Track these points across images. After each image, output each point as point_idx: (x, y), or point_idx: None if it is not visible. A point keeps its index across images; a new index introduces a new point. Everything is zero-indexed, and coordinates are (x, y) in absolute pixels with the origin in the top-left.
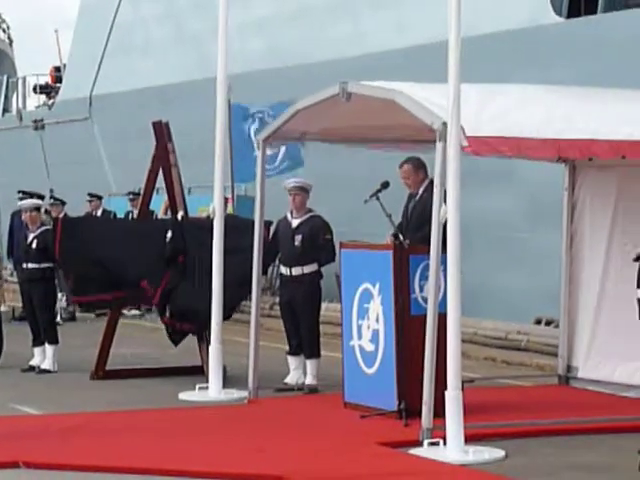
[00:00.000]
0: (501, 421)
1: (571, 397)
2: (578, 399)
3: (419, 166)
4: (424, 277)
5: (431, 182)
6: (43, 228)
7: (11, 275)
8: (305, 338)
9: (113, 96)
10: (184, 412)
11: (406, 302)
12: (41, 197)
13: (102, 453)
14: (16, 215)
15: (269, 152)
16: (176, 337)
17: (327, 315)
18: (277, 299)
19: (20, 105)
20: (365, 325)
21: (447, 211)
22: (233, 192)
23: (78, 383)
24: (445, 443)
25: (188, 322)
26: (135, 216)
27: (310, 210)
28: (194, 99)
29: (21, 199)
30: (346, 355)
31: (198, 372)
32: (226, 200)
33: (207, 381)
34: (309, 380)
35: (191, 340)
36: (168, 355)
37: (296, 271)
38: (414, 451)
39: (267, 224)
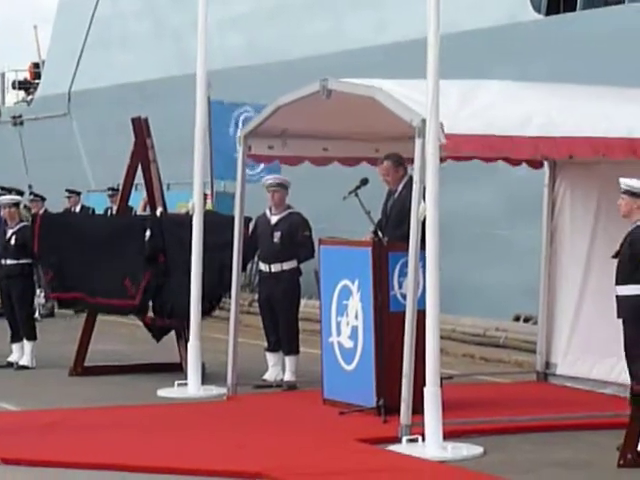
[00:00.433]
0: (479, 418)
1: (549, 394)
2: (556, 396)
3: (399, 163)
4: (403, 274)
5: (410, 179)
6: (22, 224)
7: None
8: (284, 334)
9: (92, 92)
10: (163, 409)
11: (385, 299)
12: (20, 193)
13: (80, 449)
14: None
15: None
16: (158, 333)
17: (306, 312)
18: (256, 296)
19: None
20: (344, 322)
21: (426, 208)
22: (212, 188)
23: (56, 379)
24: (424, 440)
25: (171, 318)
26: (114, 212)
27: (289, 207)
28: (173, 95)
29: None
30: (325, 352)
31: (177, 369)
32: (205, 196)
33: (186, 378)
34: (288, 377)
35: (170, 337)
36: (147, 352)
37: (275, 268)
38: (393, 447)
39: (246, 221)
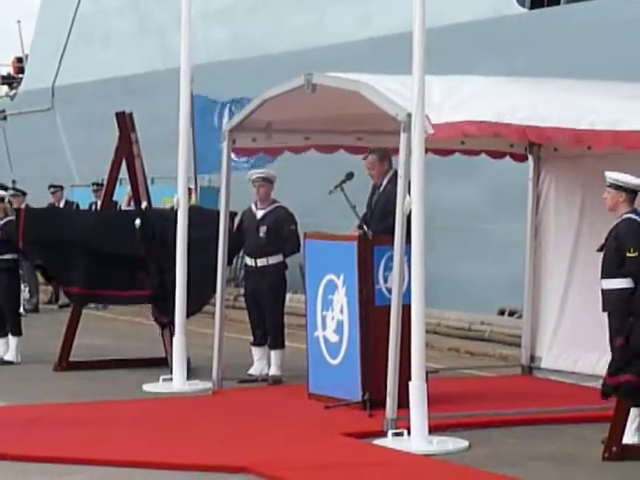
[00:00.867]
0: (465, 411)
1: (534, 387)
2: (541, 389)
3: (384, 157)
4: (388, 268)
5: (395, 173)
6: (7, 219)
7: None
8: (270, 329)
9: (76, 87)
10: (148, 403)
11: (370, 293)
12: (5, 188)
13: (65, 444)
14: None
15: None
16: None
17: (291, 306)
18: (241, 290)
19: None
20: (329, 316)
21: (411, 202)
22: (196, 183)
23: (41, 374)
24: (409, 433)
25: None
26: (99, 207)
27: (275, 201)
28: (157, 90)
29: None
30: (310, 346)
31: (162, 363)
32: (190, 191)
33: (171, 372)
34: (273, 371)
35: (156, 331)
36: (132, 347)
37: (261, 262)
38: (378, 442)
39: (231, 215)
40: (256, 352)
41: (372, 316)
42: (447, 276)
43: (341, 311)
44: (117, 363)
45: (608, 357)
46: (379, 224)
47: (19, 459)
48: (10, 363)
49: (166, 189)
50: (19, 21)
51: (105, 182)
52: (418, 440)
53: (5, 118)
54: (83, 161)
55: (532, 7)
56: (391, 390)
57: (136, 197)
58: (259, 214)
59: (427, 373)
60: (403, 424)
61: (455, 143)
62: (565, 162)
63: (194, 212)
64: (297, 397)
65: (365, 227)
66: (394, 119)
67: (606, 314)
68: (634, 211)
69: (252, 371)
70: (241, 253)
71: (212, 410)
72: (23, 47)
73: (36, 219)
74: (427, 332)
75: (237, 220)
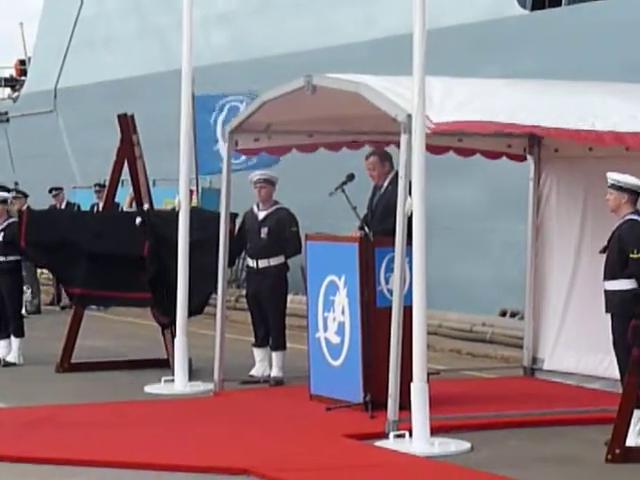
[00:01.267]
0: (467, 413)
1: (536, 389)
2: (543, 391)
3: (385, 158)
4: (390, 269)
5: (396, 174)
6: (10, 220)
7: None
8: (271, 330)
9: (78, 89)
10: (150, 405)
11: (371, 294)
12: (7, 190)
13: (67, 446)
14: None
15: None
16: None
17: (293, 307)
18: (243, 291)
19: None
20: (331, 317)
21: (412, 203)
22: (198, 184)
23: (44, 376)
24: (411, 435)
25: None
26: (100, 208)
27: (276, 202)
28: (159, 92)
29: None
30: (312, 347)
31: (164, 365)
32: (191, 192)
33: (173, 374)
34: (275, 372)
35: (157, 332)
36: (134, 348)
37: (262, 263)
38: (380, 443)
39: (232, 217)
40: (257, 353)
41: (373, 317)
42: (449, 277)
43: (342, 312)
44: (119, 364)
45: (611, 358)
46: (380, 225)
47: (20, 460)
48: (12, 364)
49: (168, 191)
50: (22, 23)
51: (107, 184)
52: (420, 442)
53: (8, 120)
54: (85, 163)
55: (533, 8)
56: (393, 391)
57: (138, 199)
58: (261, 215)
59: (428, 374)
60: (405, 426)
61: (452, 140)
62: (566, 163)
63: (195, 214)
64: (299, 398)
65: (366, 228)
66: (394, 120)
67: (609, 315)
68: (637, 212)
69: (254, 372)
70: (243, 254)
71: (213, 411)
72: (26, 49)
73: (38, 221)
74: (428, 333)
75: (239, 221)
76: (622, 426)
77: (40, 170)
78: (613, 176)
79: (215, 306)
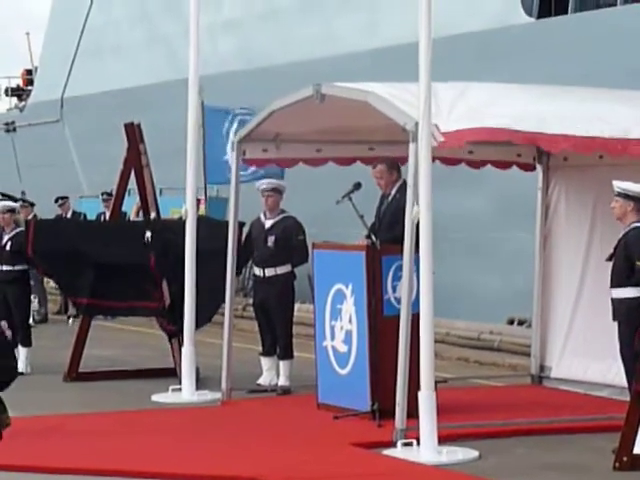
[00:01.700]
0: (474, 421)
1: (544, 397)
2: (551, 399)
3: (392, 166)
4: (397, 278)
5: (404, 183)
6: (18, 230)
7: None
8: (278, 339)
9: (85, 98)
10: (157, 414)
11: (379, 303)
12: (14, 199)
13: (74, 455)
14: None
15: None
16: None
17: (300, 316)
18: (250, 300)
19: None
20: (338, 326)
21: (419, 211)
22: (206, 193)
23: (51, 385)
24: (419, 444)
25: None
26: (107, 218)
27: (283, 211)
28: (166, 100)
29: None
30: (319, 356)
31: (171, 374)
32: (198, 201)
33: (180, 383)
34: (282, 381)
35: (164, 341)
36: (141, 357)
37: (269, 272)
38: (388, 452)
39: (240, 225)
40: (265, 362)
41: (381, 326)
42: (456, 285)
43: (350, 321)
44: (126, 373)
45: (619, 366)
46: (387, 234)
47: (28, 470)
48: (20, 374)
49: (175, 200)
50: (28, 33)
51: (114, 193)
52: (427, 450)
53: (14, 130)
54: (92, 172)
55: (539, 16)
56: (400, 400)
57: (145, 208)
58: (268, 224)
59: (436, 383)
60: (412, 434)
61: (463, 152)
62: (575, 171)
63: (202, 223)
64: (306, 407)
65: (373, 237)
66: (403, 129)
67: (616, 323)
68: None
69: (261, 381)
70: (250, 263)
71: (221, 420)
72: (32, 59)
73: (45, 230)
74: (436, 342)
75: (245, 230)
76: (630, 434)
77: (47, 179)
78: (619, 184)
79: (223, 315)
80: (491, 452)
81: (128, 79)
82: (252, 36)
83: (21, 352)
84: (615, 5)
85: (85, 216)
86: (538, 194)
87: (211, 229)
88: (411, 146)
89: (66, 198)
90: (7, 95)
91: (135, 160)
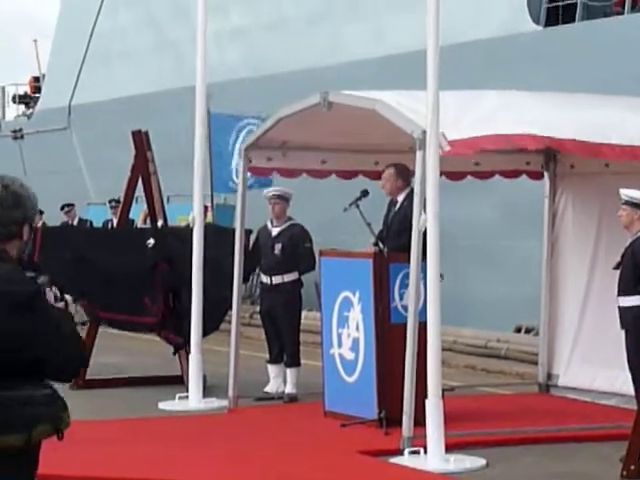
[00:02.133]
0: (482, 429)
1: (551, 405)
2: (558, 407)
3: (400, 173)
4: (404, 285)
5: (412, 191)
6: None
7: None
8: (285, 347)
9: (92, 105)
10: (164, 421)
11: (386, 311)
12: None
13: (81, 463)
14: None
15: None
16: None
17: (307, 323)
18: (257, 308)
19: None
20: (345, 333)
21: (426, 219)
22: (212, 201)
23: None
24: (426, 452)
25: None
26: (114, 225)
27: (290, 218)
28: (173, 108)
29: None
30: (326, 364)
31: (178, 381)
32: (205, 209)
33: (187, 390)
34: (289, 389)
35: (171, 349)
36: (148, 364)
37: (276, 280)
38: (395, 460)
39: (246, 233)
40: (272, 370)
41: (388, 334)
42: (463, 293)
43: (357, 328)
44: (133, 381)
45: (626, 375)
46: (395, 241)
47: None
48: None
49: (182, 207)
50: (35, 41)
51: (121, 200)
52: (435, 458)
53: (22, 137)
54: (99, 179)
55: (547, 25)
56: (407, 408)
57: (152, 215)
58: (274, 231)
59: (443, 391)
60: (420, 442)
61: (468, 165)
62: (582, 179)
63: (209, 230)
64: (313, 415)
65: (381, 244)
66: (410, 137)
67: (623, 331)
68: None
69: (268, 389)
70: (257, 270)
71: (228, 428)
72: (40, 66)
73: (52, 237)
74: (443, 349)
75: (253, 238)
76: (637, 442)
77: (54, 186)
78: (626, 192)
79: (230, 322)
80: (498, 460)
81: (136, 86)
82: (260, 44)
83: None
84: (622, 14)
85: (91, 223)
86: (545, 202)
87: (218, 236)
88: (418, 154)
89: (72, 205)
90: (15, 102)
91: (142, 167)
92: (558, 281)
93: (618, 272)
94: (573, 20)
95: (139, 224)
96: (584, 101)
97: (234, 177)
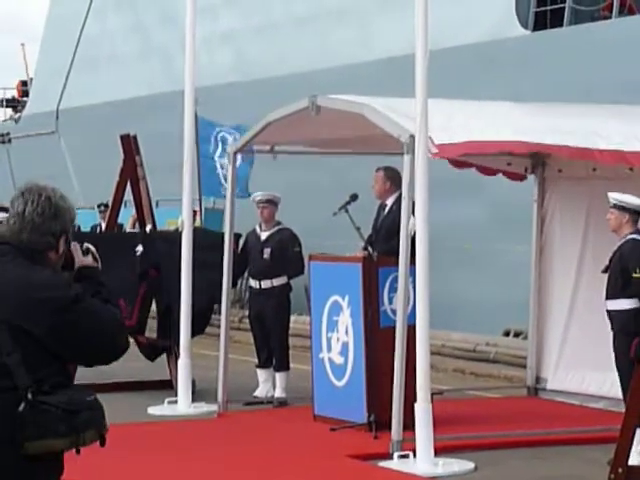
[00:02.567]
0: (470, 433)
1: (540, 408)
2: (547, 410)
3: (390, 177)
4: (393, 289)
5: (401, 195)
6: None
7: None
8: (275, 351)
9: (80, 109)
10: (153, 426)
11: (375, 314)
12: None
13: (69, 469)
14: None
15: None
16: (153, 353)
17: (296, 328)
18: (246, 312)
19: None
20: (334, 337)
21: (415, 223)
22: (201, 205)
23: None
24: (415, 455)
25: (167, 338)
26: (102, 229)
27: (279, 223)
28: (162, 112)
29: None
30: (315, 368)
31: (167, 386)
32: (194, 213)
33: (176, 395)
34: (278, 393)
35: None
36: (137, 369)
37: (265, 284)
38: (384, 464)
39: (236, 237)
40: (261, 374)
41: (377, 337)
42: (452, 297)
43: (346, 332)
44: (122, 386)
45: (614, 378)
46: (384, 245)
47: None
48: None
49: (171, 211)
50: (23, 44)
51: (110, 204)
52: (424, 462)
53: (10, 141)
54: (88, 184)
55: (535, 29)
56: (396, 412)
57: (141, 219)
58: (263, 236)
59: (432, 395)
60: (409, 446)
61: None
62: (570, 184)
63: (198, 234)
64: (302, 419)
65: (370, 248)
66: (397, 141)
67: (611, 334)
68: (637, 231)
69: (257, 393)
70: (246, 275)
71: (217, 433)
72: (27, 70)
73: None
74: (432, 353)
75: (241, 242)
76: (625, 445)
77: None
78: (615, 196)
79: (218, 326)
80: (487, 464)
81: (124, 90)
82: (248, 48)
83: None
84: (610, 18)
85: (79, 228)
86: (534, 206)
87: (206, 240)
88: (405, 158)
89: None
90: (2, 106)
91: (131, 171)
92: (547, 285)
93: (606, 276)
94: (561, 24)
95: (128, 228)
96: (568, 110)
97: (223, 181)
